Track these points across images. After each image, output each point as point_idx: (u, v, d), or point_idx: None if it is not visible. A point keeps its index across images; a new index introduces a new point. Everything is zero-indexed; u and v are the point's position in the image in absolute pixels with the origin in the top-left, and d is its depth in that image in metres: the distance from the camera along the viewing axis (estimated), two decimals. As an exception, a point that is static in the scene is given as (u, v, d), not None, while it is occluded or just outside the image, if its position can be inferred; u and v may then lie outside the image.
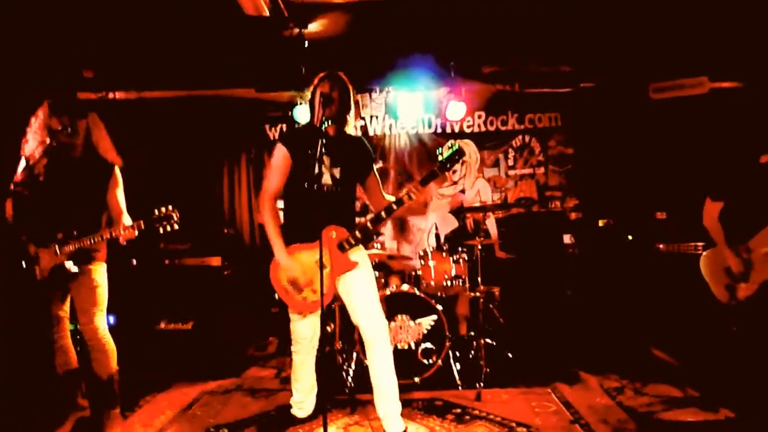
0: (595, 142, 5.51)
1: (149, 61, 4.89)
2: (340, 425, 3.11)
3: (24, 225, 2.97)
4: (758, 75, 4.81)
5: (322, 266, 2.56)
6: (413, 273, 4.35)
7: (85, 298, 2.92)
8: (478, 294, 4.10)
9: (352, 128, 3.02)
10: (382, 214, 2.82)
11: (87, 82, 4.99)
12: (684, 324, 4.09)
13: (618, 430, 2.96)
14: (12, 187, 2.99)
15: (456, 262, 4.16)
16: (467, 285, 4.20)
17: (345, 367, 3.87)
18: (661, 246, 4.45)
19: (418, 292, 3.89)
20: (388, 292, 3.87)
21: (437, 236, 5.66)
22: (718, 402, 3.18)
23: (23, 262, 2.93)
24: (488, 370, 3.78)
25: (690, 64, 4.99)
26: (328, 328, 4.20)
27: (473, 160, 5.72)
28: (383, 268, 4.41)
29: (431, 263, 4.15)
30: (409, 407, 3.30)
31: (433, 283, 4.12)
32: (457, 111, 5.23)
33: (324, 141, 2.68)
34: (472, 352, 4.14)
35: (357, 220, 3.04)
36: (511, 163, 5.73)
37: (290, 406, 3.15)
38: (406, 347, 3.80)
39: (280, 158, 2.88)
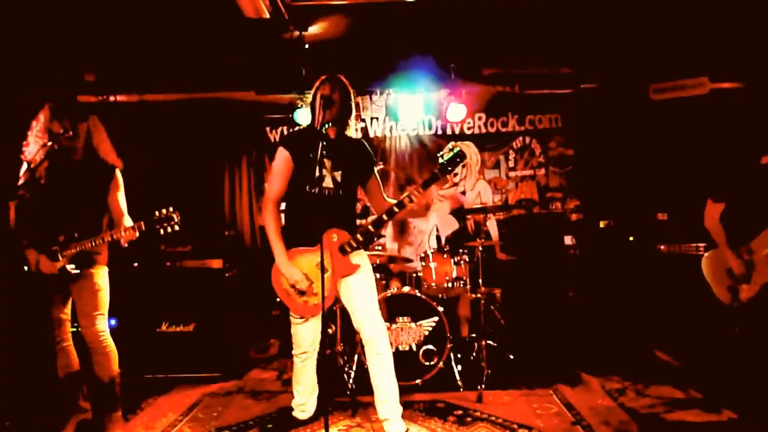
0: (596, 143, 5.51)
1: (150, 64, 4.91)
2: (342, 427, 3.11)
3: (26, 228, 2.97)
4: (759, 75, 4.81)
5: (323, 269, 2.57)
6: (414, 274, 4.34)
7: (87, 301, 2.93)
8: (479, 295, 4.10)
9: (353, 131, 3.03)
10: (384, 217, 2.82)
11: (88, 85, 5.01)
12: (686, 325, 4.08)
13: (620, 431, 2.96)
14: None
15: (457, 263, 4.15)
16: (468, 286, 4.19)
17: (346, 369, 3.86)
18: (662, 247, 4.45)
19: (419, 294, 3.88)
20: (389, 294, 3.88)
21: (438, 238, 5.66)
22: (721, 403, 3.18)
23: (25, 266, 2.94)
24: (489, 371, 3.77)
25: (690, 64, 4.99)
26: (330, 331, 4.20)
27: (474, 161, 5.72)
28: (384, 269, 4.40)
29: (432, 265, 4.14)
30: (411, 409, 3.30)
31: (434, 284, 4.11)
32: (457, 113, 5.23)
33: (325, 144, 2.68)
34: (474, 353, 4.14)
35: (358, 222, 3.05)
36: (511, 164, 5.72)
37: (292, 408, 3.15)
38: (407, 349, 3.80)
39: (281, 161, 2.88)
